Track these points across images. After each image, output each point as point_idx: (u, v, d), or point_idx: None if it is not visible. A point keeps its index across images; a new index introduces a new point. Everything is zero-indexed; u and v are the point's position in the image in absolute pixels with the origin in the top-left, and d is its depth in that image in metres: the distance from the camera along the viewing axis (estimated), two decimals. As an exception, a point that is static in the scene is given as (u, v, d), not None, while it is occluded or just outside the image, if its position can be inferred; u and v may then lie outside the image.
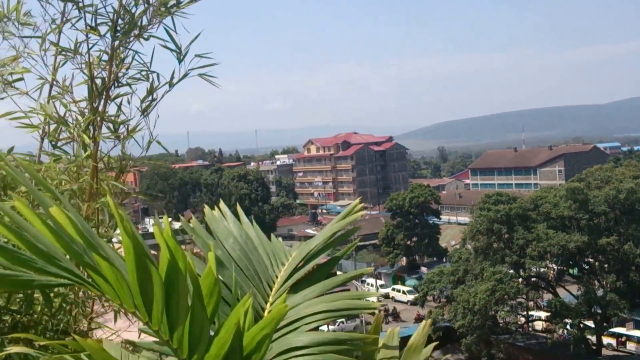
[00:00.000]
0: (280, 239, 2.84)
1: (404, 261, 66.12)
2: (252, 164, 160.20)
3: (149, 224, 79.76)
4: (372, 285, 55.86)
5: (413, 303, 50.68)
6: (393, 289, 59.02)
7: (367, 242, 73.85)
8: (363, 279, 62.22)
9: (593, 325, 38.13)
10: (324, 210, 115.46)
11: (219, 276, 2.31)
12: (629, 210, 40.70)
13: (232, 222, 2.55)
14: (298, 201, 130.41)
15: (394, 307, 53.64)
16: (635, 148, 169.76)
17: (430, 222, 66.83)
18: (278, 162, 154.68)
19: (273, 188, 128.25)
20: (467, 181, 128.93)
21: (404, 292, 57.21)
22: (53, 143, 3.16)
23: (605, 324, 38.73)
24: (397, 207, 64.99)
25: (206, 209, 2.65)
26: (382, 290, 57.19)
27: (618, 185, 41.64)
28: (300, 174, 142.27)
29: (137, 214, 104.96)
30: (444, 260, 58.84)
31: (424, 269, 60.46)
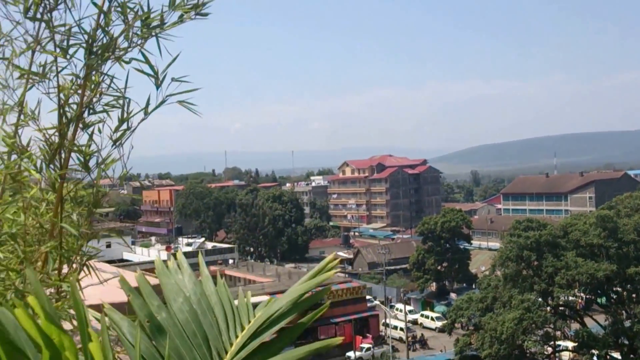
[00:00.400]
0: (249, 298, 2.37)
1: (433, 287, 65.77)
2: (288, 184, 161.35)
3: (182, 242, 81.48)
4: (400, 310, 55.84)
5: (441, 330, 50.52)
6: (422, 315, 58.72)
7: (398, 267, 73.86)
8: (392, 304, 62.36)
9: (620, 357, 37.68)
10: (357, 233, 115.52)
11: (156, 346, 1.98)
12: (660, 239, 40.25)
13: (188, 276, 2.26)
14: (331, 223, 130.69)
15: (422, 334, 53.50)
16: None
17: (461, 247, 66.41)
18: (313, 184, 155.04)
19: (307, 209, 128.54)
20: (499, 206, 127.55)
21: (432, 319, 56.87)
22: (12, 176, 2.87)
23: (632, 356, 38.21)
24: (429, 232, 64.89)
25: (157, 260, 2.33)
26: (411, 316, 57.15)
27: (649, 213, 41.30)
28: (335, 196, 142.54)
29: (170, 233, 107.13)
30: (474, 286, 58.52)
31: (453, 295, 60.07)
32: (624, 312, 40.45)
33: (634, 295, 39.95)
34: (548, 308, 39.32)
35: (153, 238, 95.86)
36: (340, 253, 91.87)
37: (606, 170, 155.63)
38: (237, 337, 2.10)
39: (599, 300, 41.93)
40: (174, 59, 2.66)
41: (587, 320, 40.85)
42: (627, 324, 38.04)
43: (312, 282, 2.15)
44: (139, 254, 67.80)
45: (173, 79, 2.67)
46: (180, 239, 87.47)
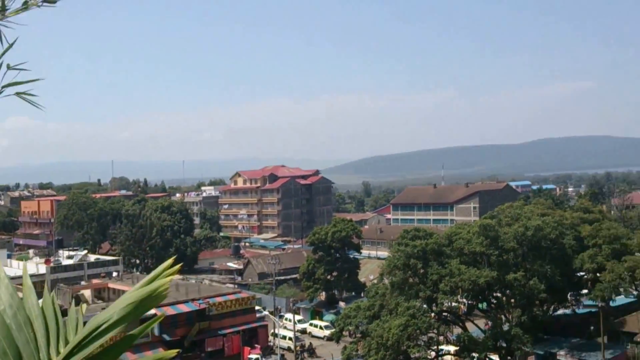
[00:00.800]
0: (82, 311, 2.25)
1: (323, 296, 66.05)
2: (177, 195, 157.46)
3: (63, 255, 76.52)
4: (289, 320, 55.32)
5: (329, 338, 50.64)
6: (311, 324, 58.80)
7: (288, 277, 73.58)
8: (281, 314, 61.82)
9: (498, 359, 39.12)
10: (247, 244, 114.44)
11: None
12: (536, 246, 42.46)
13: (5, 287, 2.09)
14: (222, 234, 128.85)
15: (310, 343, 53.44)
16: (544, 187, 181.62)
17: (351, 256, 67.27)
18: (204, 194, 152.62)
19: (197, 220, 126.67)
20: (389, 216, 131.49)
21: (321, 328, 57.04)
22: None
23: (509, 358, 39.83)
24: (320, 241, 65.07)
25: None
26: (300, 326, 56.81)
27: (526, 222, 43.40)
28: (226, 206, 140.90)
29: (50, 245, 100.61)
30: (362, 295, 59.18)
31: (342, 304, 60.54)
32: (502, 316, 42.19)
33: (512, 300, 41.72)
34: (432, 314, 40.26)
35: (31, 251, 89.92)
36: (230, 264, 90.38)
37: (490, 181, 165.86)
38: (58, 353, 1.95)
39: (480, 305, 43.48)
40: (10, 46, 2.48)
41: (469, 325, 42.24)
42: (506, 327, 39.60)
43: (146, 289, 2.01)
44: (15, 268, 63.14)
45: (9, 67, 2.46)
46: (60, 251, 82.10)
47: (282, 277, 72.14)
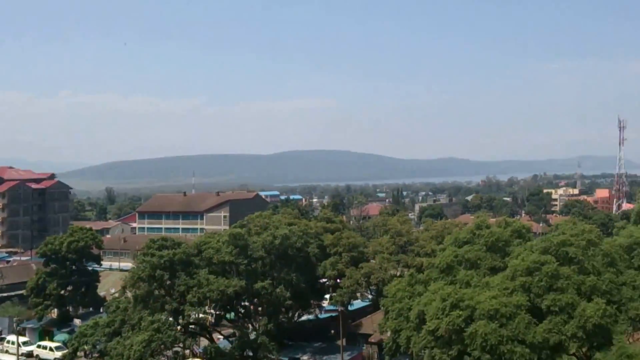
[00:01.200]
0: None
1: (55, 313, 60.06)
2: None
3: None
4: (12, 343, 48.78)
5: (61, 361, 45.68)
6: (39, 346, 53.27)
7: (13, 293, 66.27)
8: (3, 336, 54.66)
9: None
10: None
11: None
12: (283, 255, 43.63)
13: None
14: None
15: (36, 368, 47.91)
16: (292, 197, 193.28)
17: (90, 268, 62.52)
18: None
19: None
20: (134, 225, 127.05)
21: (51, 349, 52.05)
22: None
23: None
24: (53, 252, 59.20)
25: None
26: (25, 348, 50.71)
27: (274, 231, 44.28)
28: None
29: None
30: (102, 310, 54.97)
31: (77, 321, 56.07)
32: (250, 325, 42.24)
33: (259, 309, 41.99)
34: (179, 327, 38.98)
35: None
36: None
37: (241, 190, 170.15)
38: None
39: (228, 315, 43.07)
40: None
41: (216, 336, 41.45)
42: (253, 336, 39.65)
43: None
44: None
45: None
46: None
47: (5, 294, 64.87)
